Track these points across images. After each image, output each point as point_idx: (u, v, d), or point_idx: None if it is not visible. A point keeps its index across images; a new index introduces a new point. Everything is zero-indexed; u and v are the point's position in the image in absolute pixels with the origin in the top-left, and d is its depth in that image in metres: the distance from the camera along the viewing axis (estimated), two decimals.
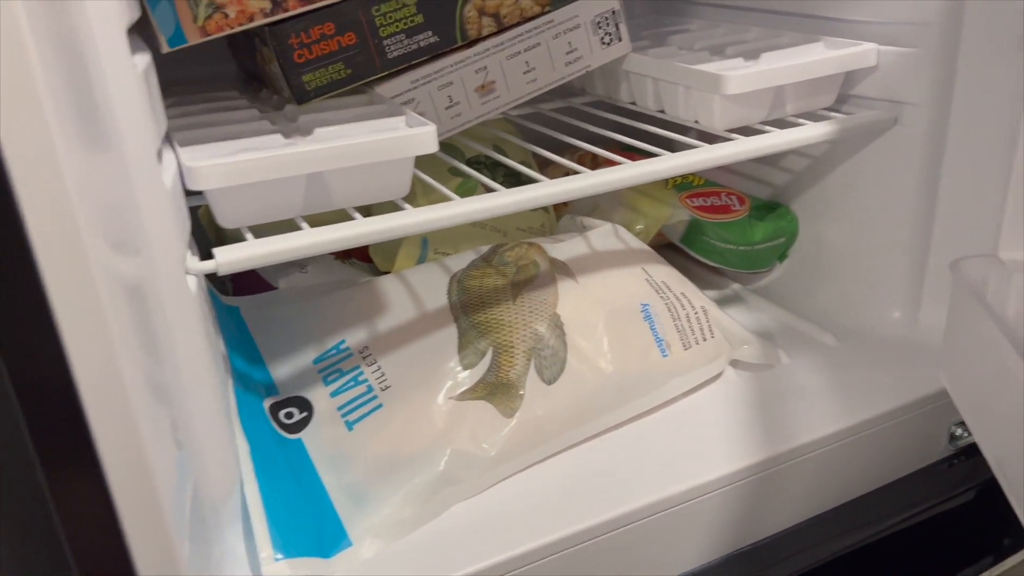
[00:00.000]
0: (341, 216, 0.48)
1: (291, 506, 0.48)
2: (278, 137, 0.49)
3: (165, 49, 0.49)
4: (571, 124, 0.66)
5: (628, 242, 0.65)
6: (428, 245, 0.67)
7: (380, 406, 0.53)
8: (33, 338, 0.31)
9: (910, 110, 0.60)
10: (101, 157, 0.35)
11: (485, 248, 0.64)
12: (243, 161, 0.44)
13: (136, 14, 0.42)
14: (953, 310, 0.53)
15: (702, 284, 0.77)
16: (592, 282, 0.59)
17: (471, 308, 0.57)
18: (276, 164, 0.45)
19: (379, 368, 0.55)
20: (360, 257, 0.71)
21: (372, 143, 0.46)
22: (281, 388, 0.56)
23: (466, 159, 0.70)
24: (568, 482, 0.52)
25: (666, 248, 0.80)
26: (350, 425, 0.53)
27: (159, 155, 0.41)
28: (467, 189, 0.68)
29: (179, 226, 0.42)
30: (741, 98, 0.58)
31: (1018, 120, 0.55)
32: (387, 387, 0.54)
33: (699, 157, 0.55)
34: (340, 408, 0.54)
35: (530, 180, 0.52)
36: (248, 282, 0.66)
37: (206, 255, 0.44)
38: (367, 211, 0.50)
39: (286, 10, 0.51)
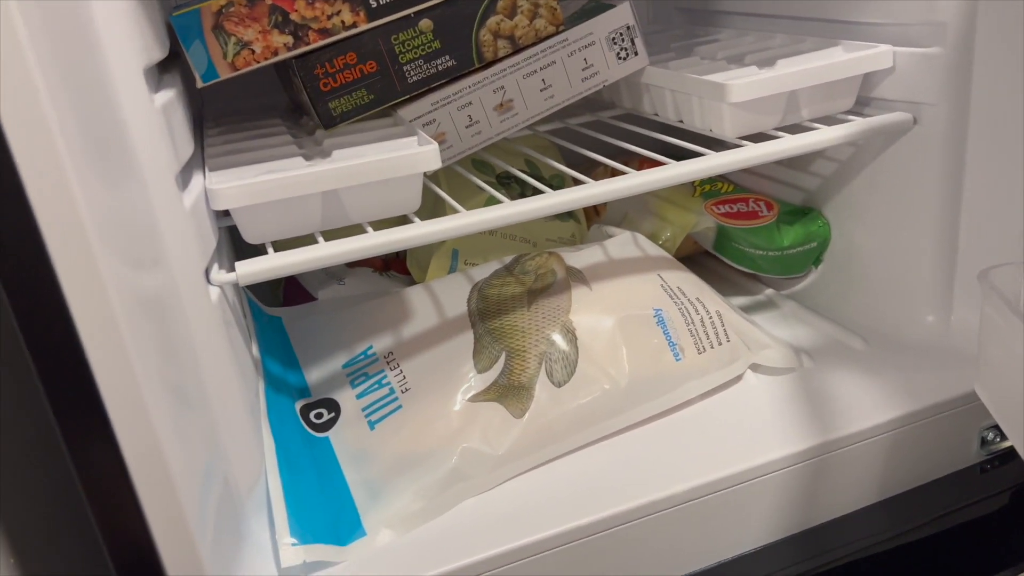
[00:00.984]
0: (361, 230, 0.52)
1: (311, 497, 0.52)
2: (299, 160, 0.54)
3: (200, 84, 0.54)
4: (595, 138, 0.68)
5: (646, 249, 0.66)
6: (458, 256, 0.71)
7: (400, 407, 0.57)
8: (60, 349, 0.36)
9: (929, 111, 0.60)
10: (121, 184, 0.40)
11: (510, 258, 0.67)
12: (260, 182, 0.48)
13: (157, 54, 0.47)
14: (985, 321, 0.52)
15: (737, 290, 0.78)
16: (606, 289, 0.61)
17: (488, 315, 0.60)
18: (290, 184, 0.49)
19: (401, 372, 0.59)
20: (398, 269, 0.75)
21: (378, 162, 0.50)
22: (313, 391, 0.61)
23: (496, 175, 0.74)
24: (576, 479, 0.55)
25: (704, 256, 0.81)
26: (372, 425, 0.57)
27: (179, 180, 0.46)
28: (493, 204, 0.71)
29: (200, 242, 0.47)
30: (749, 105, 0.59)
31: None
32: (407, 389, 0.58)
33: (700, 166, 0.56)
34: (364, 409, 0.58)
35: None
36: (294, 294, 0.71)
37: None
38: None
39: (307, 43, 0.56)
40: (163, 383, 0.40)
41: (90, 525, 0.39)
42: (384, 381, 0.59)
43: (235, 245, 0.68)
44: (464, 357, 0.58)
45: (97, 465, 0.38)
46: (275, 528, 0.49)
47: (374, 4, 0.56)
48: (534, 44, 0.62)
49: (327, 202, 0.52)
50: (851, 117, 0.62)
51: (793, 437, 0.55)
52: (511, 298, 0.61)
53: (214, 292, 0.48)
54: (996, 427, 0.60)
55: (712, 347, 0.61)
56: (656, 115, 0.69)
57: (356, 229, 0.53)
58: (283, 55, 0.56)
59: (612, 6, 0.63)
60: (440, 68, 0.60)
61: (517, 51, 0.62)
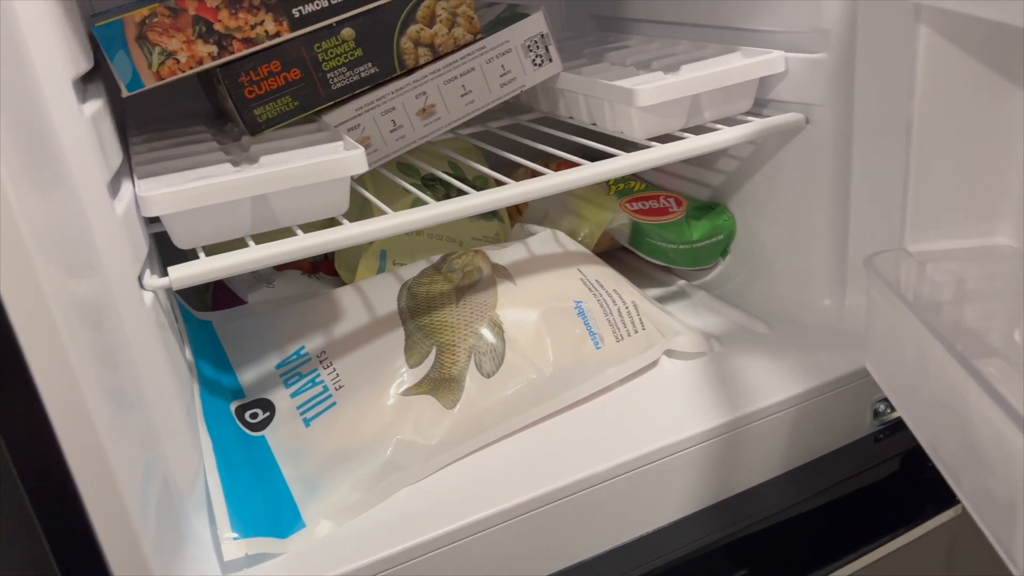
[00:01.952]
0: (291, 233, 0.54)
1: (250, 493, 0.53)
2: (227, 166, 0.55)
3: (125, 94, 0.55)
4: (515, 140, 0.72)
5: (566, 246, 0.70)
6: (387, 257, 0.73)
7: (334, 404, 0.59)
8: None
9: (818, 111, 0.65)
10: (54, 193, 0.41)
11: (437, 257, 0.69)
12: (191, 188, 0.50)
13: (84, 65, 0.48)
14: (871, 303, 0.57)
15: (652, 282, 0.82)
16: (530, 283, 0.65)
17: (417, 312, 0.63)
18: (221, 189, 0.51)
19: (334, 370, 0.61)
20: (327, 271, 0.77)
21: (307, 166, 0.52)
22: (247, 392, 0.62)
23: (421, 177, 0.76)
24: (506, 464, 0.57)
25: (621, 251, 0.85)
26: (307, 422, 0.59)
27: (110, 188, 0.47)
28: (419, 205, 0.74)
29: (133, 249, 0.48)
30: (656, 108, 0.63)
31: (912, 117, 0.59)
32: (341, 387, 0.60)
33: (612, 166, 0.60)
34: (299, 407, 0.60)
35: None
36: (223, 298, 0.72)
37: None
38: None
39: (232, 53, 0.57)
40: (102, 386, 0.41)
41: (34, 527, 0.40)
42: (318, 380, 0.61)
43: (162, 252, 0.69)
44: (396, 353, 0.61)
45: (40, 468, 0.39)
46: (216, 524, 0.50)
47: (297, 14, 0.58)
48: (453, 51, 0.65)
49: (256, 206, 0.53)
50: (750, 118, 0.67)
51: (705, 415, 0.60)
52: (440, 295, 0.64)
53: (148, 297, 0.49)
54: (886, 400, 0.65)
55: (629, 335, 0.65)
56: (571, 118, 0.73)
57: (286, 232, 0.54)
58: (208, 64, 0.57)
59: (527, 15, 0.67)
60: (363, 75, 0.62)
61: (437, 58, 0.65)
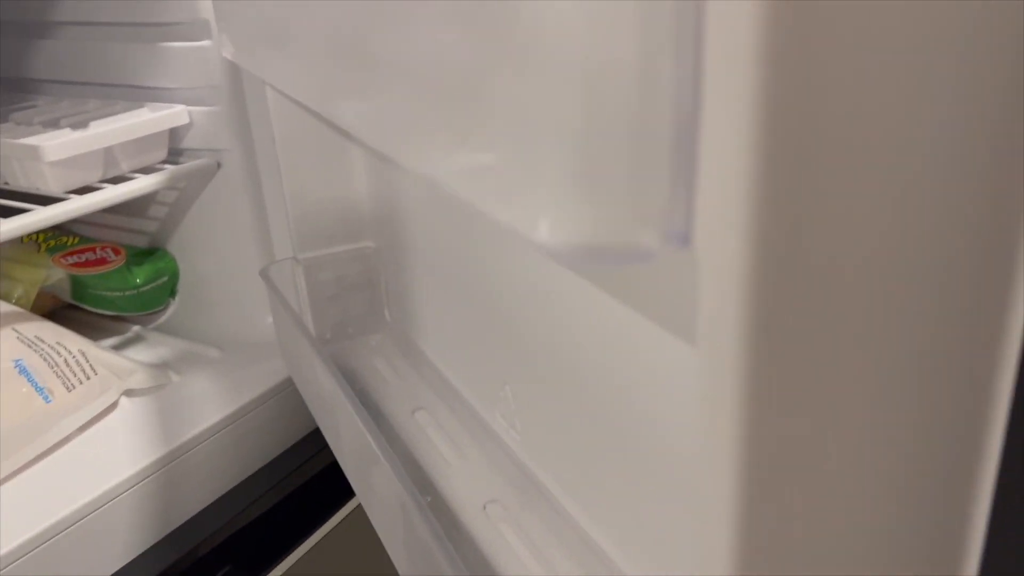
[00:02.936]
0: None
1: None
2: None
3: None
4: None
5: None
6: None
7: None
8: None
9: (228, 155, 0.75)
10: None
11: None
12: None
13: None
14: (274, 311, 0.68)
15: (106, 333, 0.84)
16: None
17: None
18: None
19: None
20: None
21: None
22: None
23: None
24: None
25: (69, 308, 0.85)
26: None
27: None
28: None
29: None
30: (67, 162, 0.66)
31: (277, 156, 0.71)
32: None
33: (25, 221, 0.61)
34: None
35: None
36: None
37: None
38: None
39: None
40: None
41: None
42: None
43: None
44: None
45: None
46: None
47: None
48: None
49: None
50: (166, 166, 0.74)
51: (142, 452, 0.62)
52: None
53: None
54: None
55: (81, 383, 0.66)
56: None
57: None
58: None
59: None
60: None
61: None
